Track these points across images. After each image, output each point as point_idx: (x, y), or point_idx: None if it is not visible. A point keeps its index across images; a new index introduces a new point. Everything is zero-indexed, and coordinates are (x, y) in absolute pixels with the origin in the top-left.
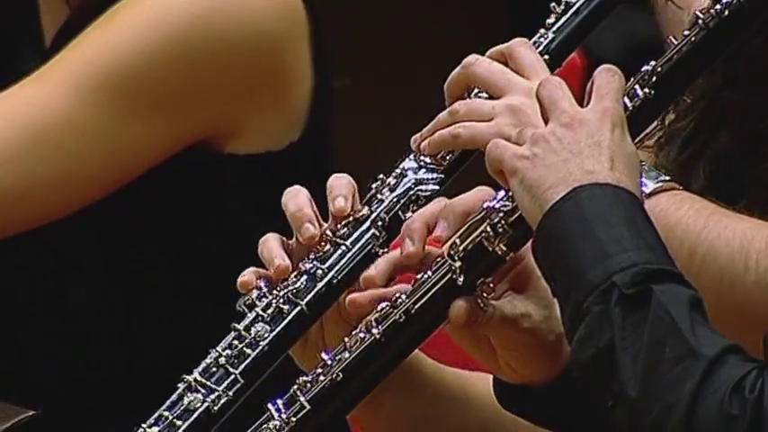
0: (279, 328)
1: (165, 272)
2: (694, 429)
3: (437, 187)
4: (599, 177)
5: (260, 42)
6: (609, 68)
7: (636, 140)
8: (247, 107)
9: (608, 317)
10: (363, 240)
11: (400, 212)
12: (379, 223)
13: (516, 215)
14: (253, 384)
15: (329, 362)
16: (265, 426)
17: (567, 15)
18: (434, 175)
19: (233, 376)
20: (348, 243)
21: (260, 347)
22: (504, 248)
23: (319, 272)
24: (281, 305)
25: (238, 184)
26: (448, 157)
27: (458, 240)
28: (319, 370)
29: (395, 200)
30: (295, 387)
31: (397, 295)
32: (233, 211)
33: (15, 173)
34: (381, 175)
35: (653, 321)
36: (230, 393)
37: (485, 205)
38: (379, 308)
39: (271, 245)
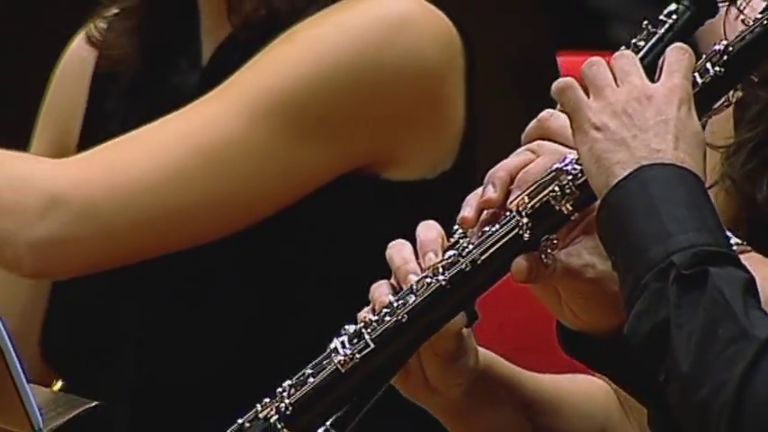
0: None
1: (306, 290)
2: (743, 410)
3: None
4: (664, 157)
5: (422, 74)
6: (681, 46)
7: (702, 118)
8: (407, 135)
9: (665, 294)
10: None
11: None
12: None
13: (583, 178)
14: None
15: (395, 304)
16: (329, 359)
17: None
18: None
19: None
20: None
21: None
22: (570, 208)
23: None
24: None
25: (390, 210)
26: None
27: (527, 198)
28: (385, 310)
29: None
30: (361, 325)
31: (465, 245)
32: (381, 236)
33: (192, 190)
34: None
35: (707, 302)
36: None
37: (554, 166)
38: (446, 255)
39: (406, 254)
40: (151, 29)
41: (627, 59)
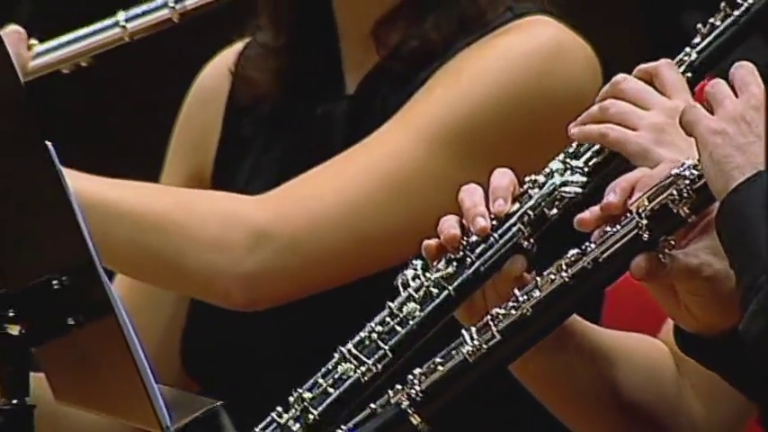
0: (428, 310)
1: None
2: None
3: (580, 189)
4: None
5: (578, 98)
6: None
7: None
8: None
9: None
10: (510, 234)
11: (545, 210)
12: (525, 219)
13: (701, 183)
14: (399, 360)
15: (521, 298)
16: (458, 349)
17: (711, 37)
18: (579, 178)
19: (382, 351)
20: (496, 235)
21: (409, 326)
22: (688, 211)
23: (468, 260)
24: (431, 288)
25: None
26: (591, 162)
27: (646, 200)
28: (512, 304)
29: (540, 198)
30: (488, 318)
31: (587, 244)
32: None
33: (378, 218)
34: (533, 175)
35: None
36: (379, 367)
37: (673, 171)
38: (569, 254)
39: (476, 198)
40: (292, 62)
41: (746, 70)
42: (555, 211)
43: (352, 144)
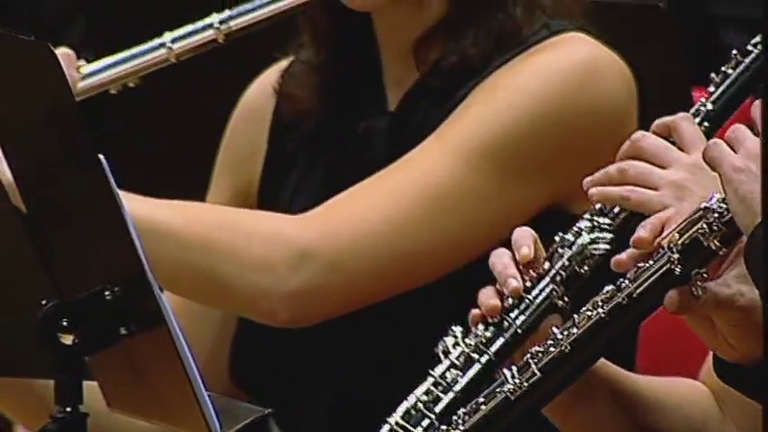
0: (470, 375)
1: None
2: None
3: (608, 246)
4: None
5: (612, 114)
6: None
7: None
8: (597, 168)
9: None
10: (544, 294)
11: (577, 268)
12: (558, 278)
13: (729, 216)
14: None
15: (559, 335)
16: (500, 389)
17: (724, 86)
18: (606, 235)
19: (429, 420)
20: (531, 296)
21: (453, 393)
22: (718, 244)
23: (506, 323)
24: (472, 354)
25: None
26: (617, 219)
27: (677, 235)
28: (550, 342)
29: (571, 257)
30: (528, 356)
31: (621, 280)
32: None
33: (417, 235)
34: (560, 234)
35: None
36: None
37: (702, 205)
38: (604, 290)
39: (506, 261)
40: (333, 78)
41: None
42: (586, 268)
43: (393, 160)
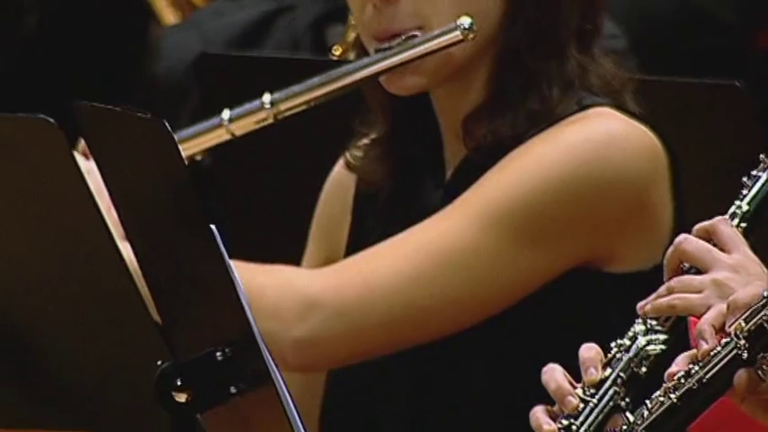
0: None
1: (527, 367)
2: None
3: (663, 346)
4: None
5: (630, 184)
6: None
7: None
8: (621, 236)
9: None
10: (607, 397)
11: (635, 369)
12: (619, 381)
13: None
14: None
15: (632, 419)
16: None
17: (757, 187)
18: (660, 336)
19: None
20: (595, 400)
21: None
22: None
23: (573, 427)
24: None
25: (614, 299)
26: (669, 320)
27: (742, 322)
28: (624, 427)
29: (629, 360)
30: None
31: (691, 366)
32: (603, 321)
33: (431, 292)
34: (619, 340)
35: None
36: None
37: (765, 293)
38: (675, 377)
39: (559, 378)
40: (400, 154)
41: None
42: (644, 369)
43: None
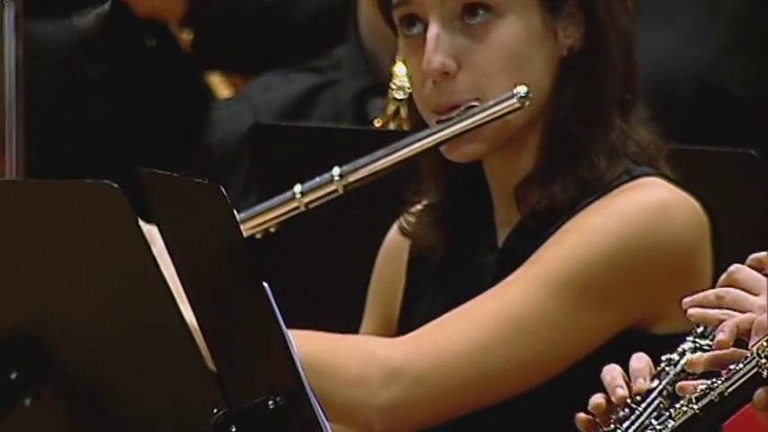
0: None
1: None
2: None
3: None
4: None
5: (679, 251)
6: None
7: None
8: (668, 299)
9: None
10: (652, 407)
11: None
12: (665, 393)
13: None
14: None
15: (657, 427)
16: None
17: None
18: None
19: None
20: (640, 408)
21: None
22: None
23: (618, 431)
24: None
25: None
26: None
27: (765, 342)
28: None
29: (676, 374)
30: None
31: (714, 380)
32: None
33: (503, 356)
34: (668, 354)
35: None
36: None
37: None
38: (698, 389)
39: (615, 374)
40: (452, 219)
41: None
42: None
43: None
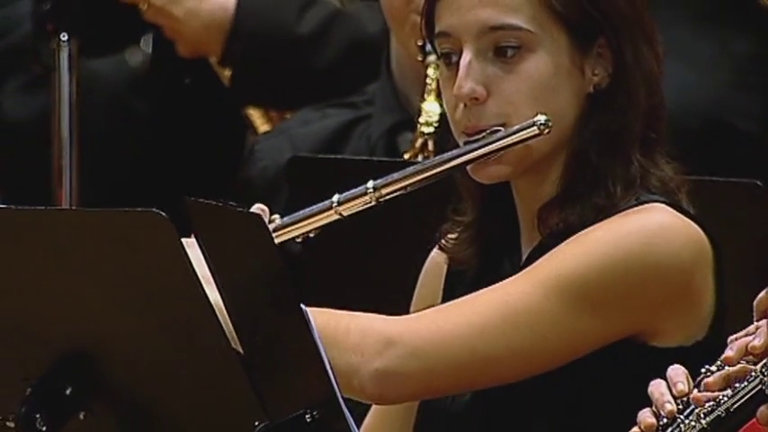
0: None
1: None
2: None
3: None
4: None
5: (677, 270)
6: None
7: None
8: (666, 314)
9: None
10: (693, 416)
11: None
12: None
13: None
14: None
15: None
16: None
17: None
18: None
19: None
20: (683, 417)
21: None
22: None
23: None
24: None
25: (658, 370)
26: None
27: None
28: None
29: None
30: None
31: (721, 396)
32: (644, 392)
33: (495, 343)
34: (707, 366)
35: None
36: None
37: None
38: (707, 405)
39: (663, 389)
40: (485, 237)
41: None
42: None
43: None
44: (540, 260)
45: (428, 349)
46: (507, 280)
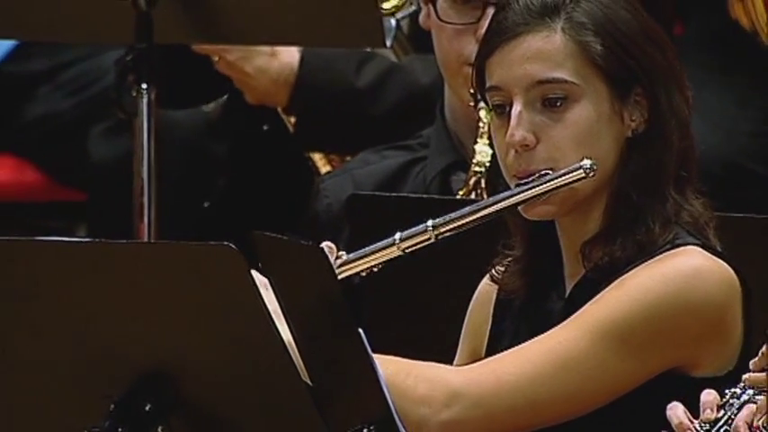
0: None
1: None
2: None
3: None
4: None
5: (711, 309)
6: None
7: None
8: (702, 349)
9: None
10: None
11: None
12: (730, 422)
13: None
14: None
15: None
16: None
17: None
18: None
19: None
20: None
21: None
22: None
23: None
24: None
25: (693, 400)
26: None
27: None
28: None
29: (739, 405)
30: None
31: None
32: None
33: (548, 388)
34: (732, 389)
35: None
36: None
37: None
38: (716, 424)
39: (680, 414)
40: (532, 270)
41: None
42: None
43: None
44: (586, 307)
45: (489, 399)
46: (557, 327)
